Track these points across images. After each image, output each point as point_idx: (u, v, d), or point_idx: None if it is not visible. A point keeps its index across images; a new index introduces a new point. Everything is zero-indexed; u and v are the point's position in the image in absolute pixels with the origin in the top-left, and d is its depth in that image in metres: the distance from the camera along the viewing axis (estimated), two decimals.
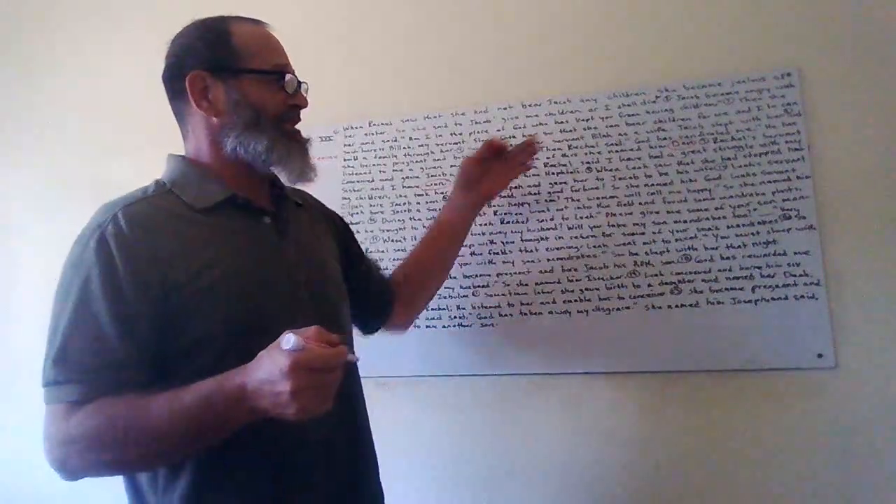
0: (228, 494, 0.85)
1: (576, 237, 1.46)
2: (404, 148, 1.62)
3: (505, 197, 1.52)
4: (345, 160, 1.66)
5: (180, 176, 0.97)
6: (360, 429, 1.05)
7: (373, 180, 1.62)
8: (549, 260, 1.47)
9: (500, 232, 1.51)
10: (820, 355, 1.29)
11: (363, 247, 1.34)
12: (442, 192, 1.56)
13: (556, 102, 1.53)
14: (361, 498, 1.01)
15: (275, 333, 0.82)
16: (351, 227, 1.32)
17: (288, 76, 1.00)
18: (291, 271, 0.98)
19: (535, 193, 1.51)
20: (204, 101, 0.97)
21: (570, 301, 1.44)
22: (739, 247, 1.37)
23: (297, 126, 1.04)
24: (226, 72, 0.96)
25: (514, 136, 1.54)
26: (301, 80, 1.03)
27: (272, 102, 0.98)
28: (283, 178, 1.04)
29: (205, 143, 0.99)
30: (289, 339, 0.74)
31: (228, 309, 0.87)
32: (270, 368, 0.74)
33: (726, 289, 1.36)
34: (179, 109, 1.02)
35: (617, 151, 1.47)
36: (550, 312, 1.45)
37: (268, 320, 0.89)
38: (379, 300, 1.27)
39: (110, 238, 0.84)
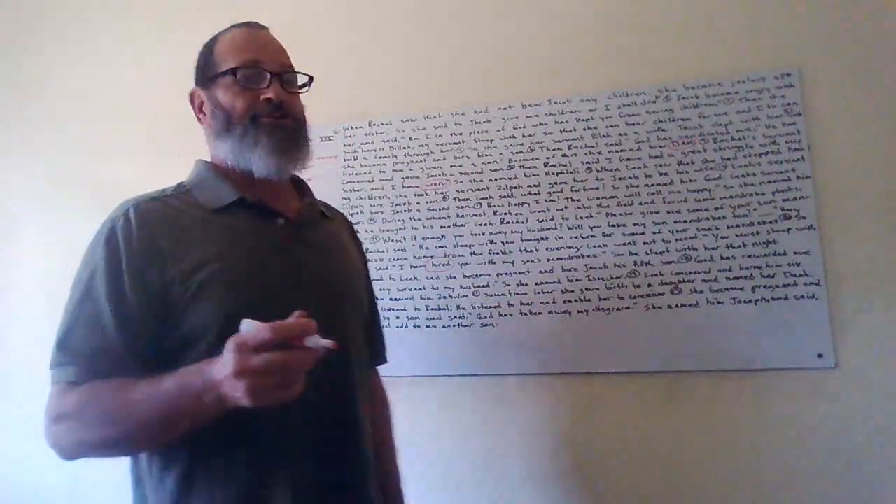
0: (216, 483, 0.86)
1: (576, 237, 1.46)
2: (404, 148, 1.62)
3: (505, 197, 1.52)
4: (345, 160, 1.66)
5: (198, 178, 1.00)
6: (351, 423, 0.99)
7: (373, 180, 1.62)
8: (549, 260, 1.47)
9: (500, 232, 1.51)
10: (820, 355, 1.29)
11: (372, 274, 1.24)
12: (442, 193, 1.57)
13: (556, 102, 1.53)
14: (350, 499, 0.97)
15: None
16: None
17: (242, 70, 0.96)
18: (299, 273, 0.97)
19: (535, 193, 1.51)
20: (201, 113, 1.02)
21: (570, 301, 1.44)
22: (739, 247, 1.37)
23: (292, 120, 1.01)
24: (207, 82, 1.00)
25: (513, 136, 1.54)
26: (275, 73, 0.98)
27: (241, 102, 0.96)
28: (261, 173, 0.98)
29: (212, 151, 1.03)
30: (242, 323, 0.73)
31: (222, 302, 0.87)
32: (224, 354, 0.73)
33: (726, 289, 1.36)
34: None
35: (617, 151, 1.47)
36: (550, 312, 1.45)
37: (262, 317, 0.84)
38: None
39: (119, 233, 0.88)
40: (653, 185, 1.44)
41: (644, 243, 1.42)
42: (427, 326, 1.52)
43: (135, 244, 0.87)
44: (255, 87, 0.97)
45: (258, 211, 0.97)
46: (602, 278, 1.43)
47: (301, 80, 1.04)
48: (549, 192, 1.50)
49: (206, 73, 1.00)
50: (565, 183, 1.49)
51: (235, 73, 0.96)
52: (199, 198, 0.96)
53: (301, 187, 1.10)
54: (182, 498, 0.84)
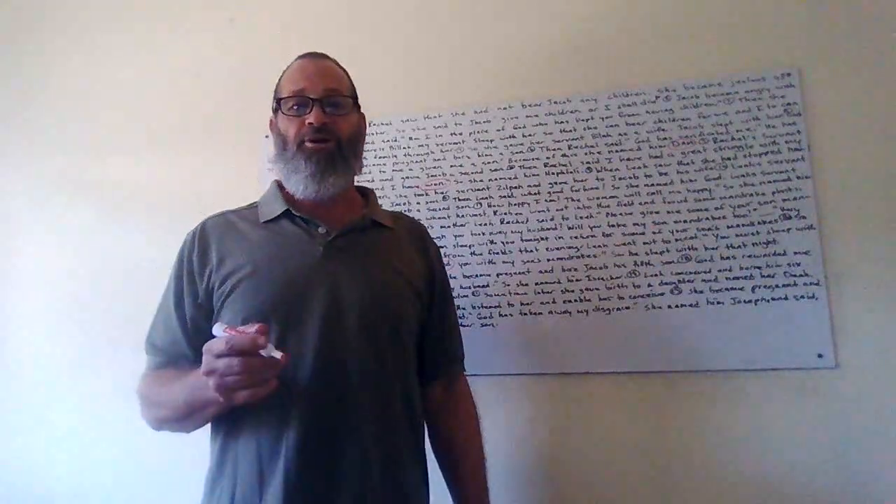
0: (239, 453, 0.98)
1: (576, 237, 1.46)
2: (404, 148, 1.62)
3: (505, 197, 1.52)
4: None
5: (265, 195, 1.14)
6: (353, 428, 1.00)
7: (373, 180, 1.62)
8: (549, 260, 1.47)
9: (500, 232, 1.51)
10: (820, 355, 1.29)
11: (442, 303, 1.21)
12: (442, 193, 1.56)
13: (556, 102, 1.53)
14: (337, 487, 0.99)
15: (291, 329, 0.95)
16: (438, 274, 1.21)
17: (288, 100, 1.05)
18: (331, 277, 1.01)
19: (535, 193, 1.51)
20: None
21: (570, 301, 1.44)
22: (739, 247, 1.37)
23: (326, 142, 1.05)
24: (274, 112, 1.11)
25: (513, 136, 1.54)
26: (316, 98, 1.04)
27: (291, 128, 1.05)
28: (301, 196, 1.07)
29: None
30: (214, 328, 0.84)
31: (241, 304, 0.99)
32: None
33: (726, 289, 1.36)
34: None
35: (617, 151, 1.47)
36: (550, 312, 1.45)
37: (282, 318, 0.97)
38: (423, 363, 1.16)
39: (185, 248, 1.06)
40: (653, 185, 1.44)
41: (644, 243, 1.42)
42: None
43: (193, 258, 1.04)
44: (302, 114, 1.05)
45: (303, 221, 1.06)
46: (602, 278, 1.43)
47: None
48: (549, 192, 1.50)
49: (273, 104, 1.11)
50: (565, 183, 1.49)
51: (281, 103, 1.07)
52: (259, 212, 1.09)
53: (367, 198, 1.18)
54: (221, 453, 1.00)
